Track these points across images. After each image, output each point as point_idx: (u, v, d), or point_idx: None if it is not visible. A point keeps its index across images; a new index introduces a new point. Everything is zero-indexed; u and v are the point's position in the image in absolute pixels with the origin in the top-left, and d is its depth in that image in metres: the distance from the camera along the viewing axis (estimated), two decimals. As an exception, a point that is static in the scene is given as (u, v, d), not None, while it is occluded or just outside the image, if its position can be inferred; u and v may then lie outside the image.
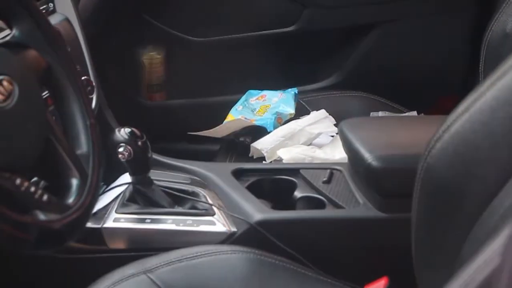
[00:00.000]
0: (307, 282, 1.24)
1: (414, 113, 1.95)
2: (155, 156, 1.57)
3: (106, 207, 1.47)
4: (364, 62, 2.15)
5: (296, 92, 1.97)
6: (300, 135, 1.76)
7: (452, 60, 2.15)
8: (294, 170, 1.58)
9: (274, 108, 1.89)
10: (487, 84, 0.82)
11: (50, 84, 1.09)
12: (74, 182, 1.05)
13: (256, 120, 1.85)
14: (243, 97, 2.00)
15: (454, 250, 0.83)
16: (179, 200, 1.51)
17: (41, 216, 0.95)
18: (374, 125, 1.62)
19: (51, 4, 1.53)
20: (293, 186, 1.54)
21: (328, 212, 1.46)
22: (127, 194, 1.49)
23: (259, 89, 2.01)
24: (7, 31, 1.08)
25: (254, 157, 1.75)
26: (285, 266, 1.26)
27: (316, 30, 2.14)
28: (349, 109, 1.94)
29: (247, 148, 1.77)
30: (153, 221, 1.44)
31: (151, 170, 1.48)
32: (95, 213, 1.42)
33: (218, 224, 1.43)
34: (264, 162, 1.71)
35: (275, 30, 2.14)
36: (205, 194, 1.51)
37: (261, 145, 1.74)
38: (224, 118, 1.92)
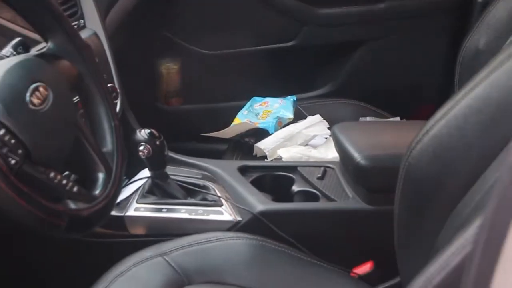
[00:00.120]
0: (302, 266, 1.24)
1: (398, 118, 1.94)
2: (171, 154, 1.57)
3: (128, 198, 1.46)
4: (355, 74, 2.15)
5: (295, 99, 1.97)
6: (298, 137, 1.76)
7: (431, 73, 2.15)
8: (292, 167, 1.58)
9: (275, 113, 1.88)
10: (462, 94, 0.82)
11: (80, 90, 1.09)
12: (101, 176, 1.05)
13: (259, 123, 1.85)
14: (248, 103, 2.00)
15: (431, 238, 0.83)
16: (191, 193, 1.51)
17: (72, 205, 0.95)
18: (363, 129, 1.62)
19: (81, 21, 1.53)
20: (291, 181, 1.54)
21: (322, 205, 1.46)
22: (146, 187, 1.49)
23: (262, 96, 2.01)
24: (43, 44, 1.08)
25: (257, 156, 1.75)
26: (283, 251, 1.25)
27: (313, 45, 2.14)
28: (341, 115, 1.93)
29: (251, 147, 1.77)
30: (168, 210, 1.44)
31: (167, 166, 1.48)
32: (118, 203, 1.42)
33: (225, 213, 1.43)
34: (266, 160, 1.71)
35: (277, 45, 2.14)
36: (214, 187, 1.51)
37: (264, 145, 1.74)
38: (232, 121, 1.92)
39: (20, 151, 0.88)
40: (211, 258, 1.22)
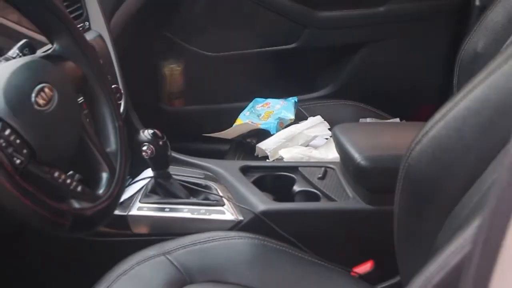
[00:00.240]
0: (303, 265, 1.24)
1: (397, 119, 1.94)
2: (174, 154, 1.57)
3: (131, 197, 1.46)
4: (355, 75, 2.15)
5: (296, 101, 1.97)
6: (299, 137, 1.76)
7: (430, 75, 2.15)
8: (293, 168, 1.57)
9: (276, 114, 1.88)
10: (460, 96, 0.82)
11: (85, 91, 1.09)
12: (104, 175, 1.05)
13: (261, 124, 1.85)
14: (250, 104, 2.00)
15: (430, 238, 0.83)
16: (194, 192, 1.51)
17: (76, 204, 0.96)
18: (363, 130, 1.62)
19: (87, 23, 1.54)
20: (292, 181, 1.54)
21: (323, 204, 1.46)
22: (149, 186, 1.49)
23: (264, 98, 2.01)
24: (49, 46, 1.09)
25: (259, 156, 1.75)
26: (285, 251, 1.25)
27: (314, 47, 2.14)
28: (341, 116, 1.93)
29: (253, 148, 1.77)
30: (171, 210, 1.44)
31: (170, 166, 1.48)
32: (122, 202, 1.42)
33: (227, 213, 1.43)
34: (267, 160, 1.71)
35: (279, 47, 2.14)
36: (216, 187, 1.51)
37: (265, 145, 1.73)
38: (234, 122, 1.92)
39: (25, 151, 0.89)
40: (213, 257, 1.22)
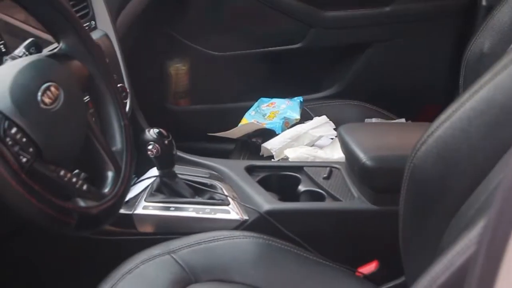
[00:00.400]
0: (308, 265, 1.24)
1: (403, 120, 1.94)
2: (179, 153, 1.58)
3: (136, 196, 1.47)
4: (361, 75, 2.15)
5: (302, 100, 1.97)
6: (304, 137, 1.76)
7: (436, 75, 2.14)
8: (298, 167, 1.57)
9: (282, 114, 1.88)
10: (466, 96, 0.82)
11: (90, 90, 1.09)
12: (110, 174, 1.05)
13: (266, 123, 1.85)
14: (256, 104, 2.00)
15: (436, 239, 0.83)
16: (199, 192, 1.51)
17: (81, 203, 0.96)
18: (368, 130, 1.62)
19: (93, 22, 1.54)
20: (297, 181, 1.54)
21: (328, 204, 1.46)
22: (155, 185, 1.49)
23: (269, 97, 2.01)
24: (55, 45, 1.09)
25: (264, 156, 1.75)
26: (289, 250, 1.25)
27: (319, 47, 2.14)
28: (346, 116, 1.93)
29: (258, 147, 1.77)
30: (176, 209, 1.44)
31: (176, 165, 1.48)
32: (127, 201, 1.42)
33: (232, 212, 1.43)
34: (272, 160, 1.71)
35: (284, 47, 2.14)
36: (221, 186, 1.51)
37: (271, 145, 1.74)
38: (239, 121, 1.92)
39: (31, 150, 0.89)
40: (218, 256, 1.22)
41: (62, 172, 0.94)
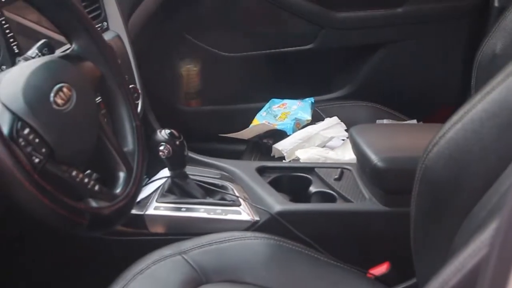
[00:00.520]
0: (319, 266, 1.24)
1: (414, 121, 1.93)
2: (191, 154, 1.58)
3: (148, 197, 1.47)
4: (372, 76, 2.15)
5: (313, 101, 1.97)
6: (316, 138, 1.76)
7: (448, 76, 2.14)
8: (309, 169, 1.57)
9: (293, 115, 1.88)
10: (478, 98, 0.81)
11: (103, 91, 1.10)
12: (122, 175, 1.06)
13: (277, 124, 1.85)
14: (267, 105, 2.00)
15: (447, 240, 0.83)
16: (210, 192, 1.51)
17: (93, 203, 0.96)
18: (380, 131, 1.61)
19: (105, 23, 1.55)
20: (308, 182, 1.53)
21: (339, 205, 1.45)
22: (166, 186, 1.49)
23: (281, 98, 2.01)
24: (68, 46, 1.09)
25: (276, 157, 1.75)
26: (300, 252, 1.25)
27: (330, 48, 2.14)
28: (358, 117, 1.93)
29: (270, 148, 1.77)
30: (187, 209, 1.44)
31: (187, 166, 1.48)
32: (139, 201, 1.42)
33: (243, 213, 1.43)
34: (284, 161, 1.71)
35: (295, 48, 2.14)
36: (232, 187, 1.51)
37: (282, 146, 1.74)
38: (250, 122, 1.92)
39: (43, 150, 0.89)
40: (229, 257, 1.22)
41: (74, 173, 0.94)
